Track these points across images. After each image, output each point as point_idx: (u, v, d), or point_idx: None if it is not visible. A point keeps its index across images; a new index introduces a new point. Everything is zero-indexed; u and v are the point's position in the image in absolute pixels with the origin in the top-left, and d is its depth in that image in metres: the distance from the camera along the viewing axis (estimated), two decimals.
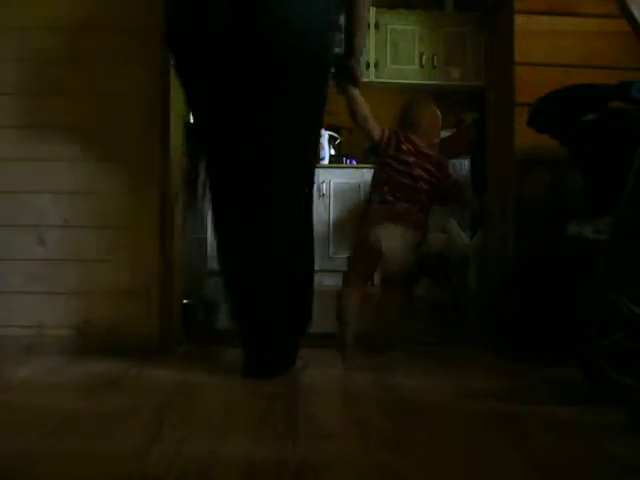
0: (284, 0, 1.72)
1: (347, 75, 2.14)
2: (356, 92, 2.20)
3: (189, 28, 1.77)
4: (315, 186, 2.06)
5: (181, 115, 2.35)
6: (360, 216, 2.34)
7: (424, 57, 5.17)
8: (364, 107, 2.24)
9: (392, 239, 2.17)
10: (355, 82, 2.16)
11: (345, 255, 4.91)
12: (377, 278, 2.45)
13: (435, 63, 5.16)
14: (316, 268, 2.15)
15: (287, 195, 1.84)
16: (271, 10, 1.69)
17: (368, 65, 5.14)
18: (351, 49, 2.06)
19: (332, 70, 2.02)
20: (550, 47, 2.35)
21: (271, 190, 1.80)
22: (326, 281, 4.19)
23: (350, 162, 5.19)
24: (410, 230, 2.22)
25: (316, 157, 2.16)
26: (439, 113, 2.43)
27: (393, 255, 2.18)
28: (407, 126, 2.33)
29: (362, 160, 5.14)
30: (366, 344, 2.23)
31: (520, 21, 2.36)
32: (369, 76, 5.15)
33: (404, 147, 2.27)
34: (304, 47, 1.75)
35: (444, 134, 4.89)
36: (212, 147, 1.87)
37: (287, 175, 1.82)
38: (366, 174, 4.83)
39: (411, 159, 2.26)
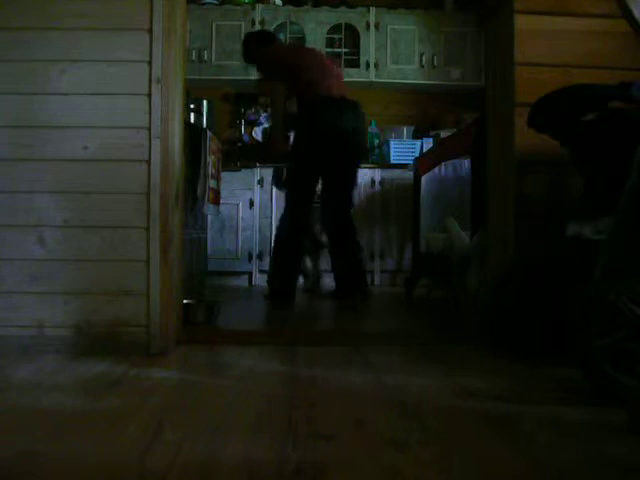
0: (355, 120, 3.69)
1: None
2: None
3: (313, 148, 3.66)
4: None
5: (182, 117, 2.35)
6: None
7: (424, 57, 5.17)
8: None
9: None
10: None
11: None
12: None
13: (435, 63, 5.16)
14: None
15: (347, 209, 3.88)
16: (348, 124, 3.64)
17: (368, 65, 5.15)
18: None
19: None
20: (550, 47, 2.35)
21: (342, 208, 3.85)
22: (327, 281, 4.17)
23: None
24: None
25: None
26: None
27: None
28: None
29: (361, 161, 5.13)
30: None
31: (520, 21, 2.36)
32: (369, 76, 5.16)
33: None
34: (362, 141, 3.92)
35: (445, 134, 4.92)
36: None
37: (347, 201, 3.88)
38: (366, 174, 4.84)
39: None
